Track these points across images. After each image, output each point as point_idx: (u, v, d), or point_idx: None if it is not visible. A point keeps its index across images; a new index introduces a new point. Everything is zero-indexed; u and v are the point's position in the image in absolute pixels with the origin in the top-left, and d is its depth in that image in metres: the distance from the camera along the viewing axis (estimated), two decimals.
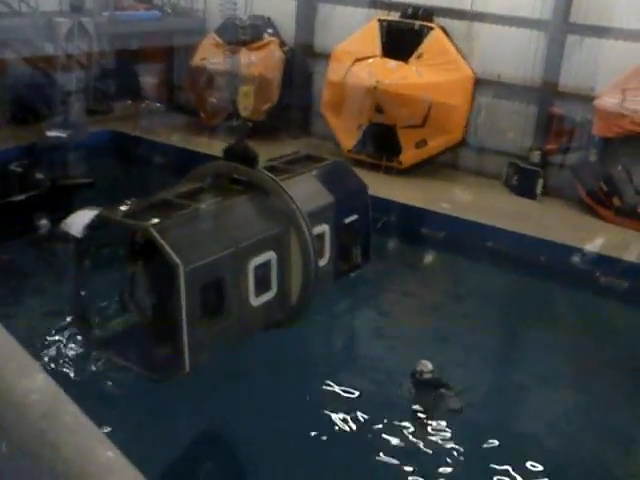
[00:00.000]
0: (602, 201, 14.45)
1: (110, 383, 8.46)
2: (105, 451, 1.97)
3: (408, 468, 7.72)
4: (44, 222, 11.56)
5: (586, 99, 14.71)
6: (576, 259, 12.55)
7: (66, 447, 1.92)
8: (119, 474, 1.92)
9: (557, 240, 13.00)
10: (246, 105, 17.91)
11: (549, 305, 12.02)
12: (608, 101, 14.04)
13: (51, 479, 1.88)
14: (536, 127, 15.89)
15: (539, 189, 15.45)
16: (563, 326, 11.35)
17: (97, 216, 8.06)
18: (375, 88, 15.51)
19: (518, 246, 13.02)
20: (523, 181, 15.60)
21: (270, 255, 8.72)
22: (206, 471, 7.93)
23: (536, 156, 15.59)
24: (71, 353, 9.11)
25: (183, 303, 7.51)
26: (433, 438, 8.15)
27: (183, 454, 7.89)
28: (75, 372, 8.68)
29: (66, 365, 8.88)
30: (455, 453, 7.95)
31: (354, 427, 8.23)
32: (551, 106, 15.54)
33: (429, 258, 13.78)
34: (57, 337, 9.45)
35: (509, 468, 7.75)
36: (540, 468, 7.82)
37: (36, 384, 2.05)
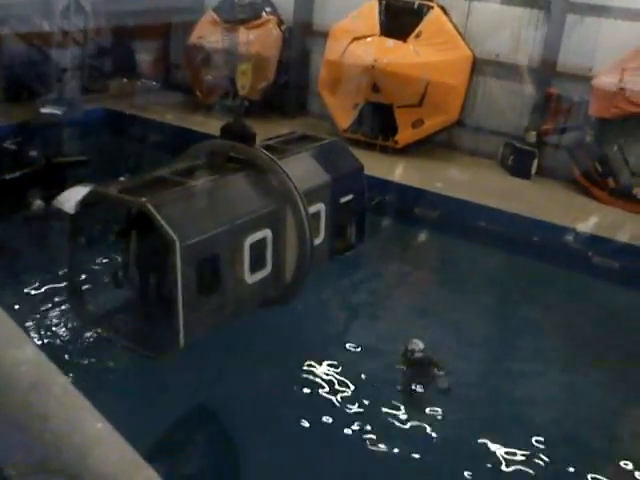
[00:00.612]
0: (597, 182, 14.46)
1: (103, 358, 8.49)
2: (94, 422, 1.95)
3: (397, 446, 7.77)
4: (38, 202, 11.50)
5: (584, 79, 14.69)
6: (569, 239, 12.56)
7: (55, 418, 1.91)
8: (108, 446, 1.91)
9: (550, 220, 13.03)
10: (244, 83, 17.81)
11: (541, 284, 12.05)
12: (606, 81, 14.00)
13: (40, 451, 1.87)
14: (533, 107, 15.85)
15: (534, 169, 15.45)
16: (555, 305, 11.42)
17: (92, 192, 8.03)
18: (372, 67, 15.44)
19: (512, 226, 13.06)
20: (518, 161, 15.60)
21: (266, 233, 8.73)
22: (193, 443, 7.95)
23: (532, 136, 15.58)
24: (65, 330, 9.12)
25: (179, 279, 7.51)
26: (423, 416, 8.21)
27: (171, 426, 7.92)
28: (68, 348, 8.69)
29: (60, 341, 8.91)
30: (444, 431, 8.02)
31: (344, 406, 8.29)
32: (549, 86, 15.47)
33: (423, 237, 13.78)
34: (51, 314, 9.46)
35: (497, 447, 7.82)
36: (528, 444, 7.89)
37: (25, 355, 2.03)
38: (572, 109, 15.15)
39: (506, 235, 12.93)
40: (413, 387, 8.58)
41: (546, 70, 15.53)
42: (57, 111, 16.00)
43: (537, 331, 10.51)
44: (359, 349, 9.45)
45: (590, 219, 13.22)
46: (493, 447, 7.81)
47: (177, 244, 7.40)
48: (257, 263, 8.70)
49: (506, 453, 7.76)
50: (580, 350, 10.08)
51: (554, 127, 15.43)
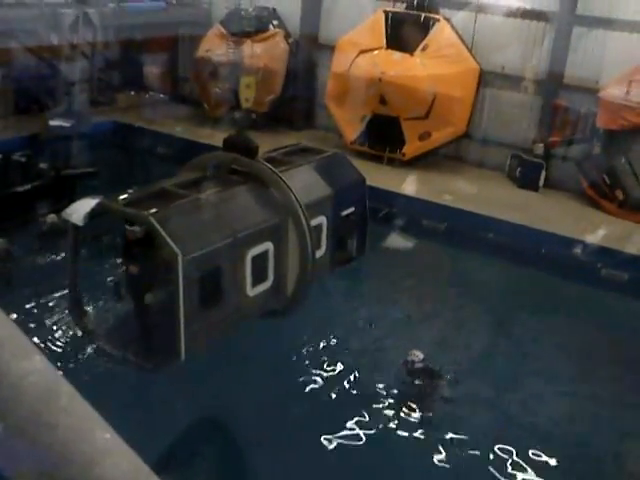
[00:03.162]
0: (605, 194, 14.45)
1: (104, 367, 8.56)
2: (102, 433, 1.97)
3: (399, 456, 7.81)
4: (52, 215, 11.57)
5: (591, 91, 14.73)
6: (578, 251, 12.54)
7: (63, 429, 1.92)
8: (116, 456, 1.93)
9: (559, 232, 13.03)
10: (247, 96, 17.92)
11: (550, 297, 12.04)
12: (613, 93, 14.02)
13: (48, 461, 1.89)
14: (540, 119, 15.88)
15: (542, 181, 15.47)
16: (563, 317, 11.35)
17: (98, 205, 8.06)
18: (380, 80, 15.50)
19: (520, 238, 13.06)
20: (526, 173, 15.61)
21: (268, 246, 8.81)
22: (197, 452, 7.97)
23: (539, 148, 15.60)
24: (69, 342, 9.17)
25: (181, 292, 7.60)
26: (424, 427, 8.23)
27: (178, 435, 7.99)
28: (72, 360, 8.73)
29: (63, 352, 8.98)
30: (446, 442, 8.02)
31: (345, 418, 8.31)
32: (556, 98, 15.49)
33: (431, 250, 13.78)
34: (56, 326, 9.51)
35: (501, 457, 7.84)
36: (535, 457, 7.86)
37: (33, 366, 2.05)
38: (579, 121, 15.17)
39: (514, 247, 12.93)
40: (414, 397, 8.57)
41: (553, 82, 15.59)
42: (66, 124, 16.12)
43: (543, 343, 10.47)
44: (358, 360, 9.47)
45: (599, 231, 13.22)
46: (495, 455, 7.82)
47: (180, 258, 7.47)
48: (259, 276, 8.77)
49: (509, 461, 7.77)
50: (587, 362, 10.04)
51: (561, 139, 15.46)
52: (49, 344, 9.08)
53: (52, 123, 16.01)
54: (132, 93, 20.02)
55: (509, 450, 7.89)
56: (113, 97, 19.47)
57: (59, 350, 9.03)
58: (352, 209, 10.55)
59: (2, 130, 16.10)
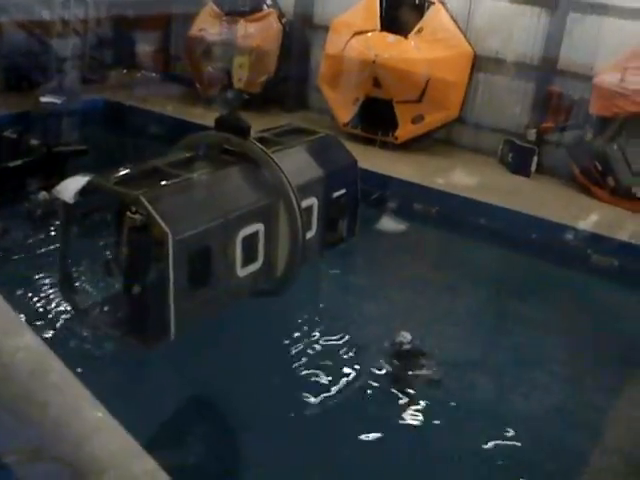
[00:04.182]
0: (596, 180, 14.49)
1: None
2: (93, 411, 1.97)
3: (386, 439, 7.83)
4: (44, 192, 11.55)
5: (585, 78, 14.72)
6: (568, 237, 12.59)
7: (54, 406, 1.92)
8: (107, 434, 1.93)
9: (549, 217, 13.06)
10: (240, 76, 17.83)
11: (539, 282, 12.13)
12: (607, 80, 14.00)
13: (40, 439, 1.88)
14: (533, 105, 15.88)
15: (534, 167, 15.48)
16: (552, 302, 11.43)
17: (89, 182, 8.03)
18: (373, 62, 15.45)
19: (510, 223, 13.09)
20: (518, 158, 15.63)
21: (258, 226, 8.81)
22: (189, 431, 8.02)
23: (532, 134, 15.61)
24: (59, 319, 9.19)
25: (171, 272, 7.59)
26: (412, 408, 8.28)
27: (169, 411, 8.06)
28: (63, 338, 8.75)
29: (53, 329, 9.01)
30: (434, 424, 8.10)
31: (333, 399, 8.36)
32: (549, 84, 15.47)
33: (421, 233, 13.80)
34: (47, 303, 9.50)
35: (488, 439, 7.88)
36: (516, 435, 7.94)
37: (23, 342, 2.05)
38: (573, 107, 15.18)
39: (505, 232, 12.97)
40: (402, 379, 8.64)
41: (547, 68, 15.56)
42: (57, 100, 15.98)
43: (531, 327, 10.53)
44: (345, 341, 9.49)
45: (589, 217, 13.28)
46: (484, 439, 7.87)
47: (170, 237, 7.45)
48: (249, 256, 8.78)
49: (495, 445, 7.82)
50: (578, 349, 10.11)
51: (554, 125, 15.46)
52: (39, 321, 9.06)
53: (43, 99, 15.87)
54: (124, 71, 19.86)
55: (498, 436, 7.95)
56: (104, 75, 19.30)
57: (49, 327, 9.03)
58: (343, 191, 10.54)
59: None
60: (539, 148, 15.53)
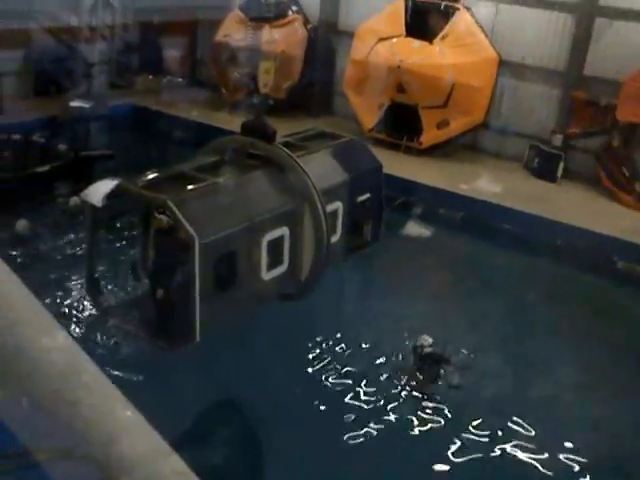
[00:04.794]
0: (623, 186, 14.36)
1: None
2: (123, 410, 1.99)
3: (405, 443, 7.84)
4: (75, 198, 11.69)
5: (612, 83, 14.56)
6: (594, 243, 12.46)
7: (85, 405, 1.95)
8: (136, 434, 1.95)
9: (575, 224, 12.94)
10: (266, 81, 17.90)
11: (564, 289, 11.98)
12: (635, 85, 13.86)
13: (70, 437, 1.91)
14: (559, 110, 15.77)
15: (560, 172, 15.35)
16: (577, 310, 11.27)
17: (116, 186, 8.11)
18: (398, 67, 15.45)
19: (536, 229, 12.98)
20: (544, 164, 15.52)
21: (283, 230, 8.82)
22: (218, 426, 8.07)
23: (558, 139, 15.50)
24: (88, 321, 9.31)
25: (197, 275, 7.63)
26: (432, 413, 8.24)
27: (196, 415, 8.07)
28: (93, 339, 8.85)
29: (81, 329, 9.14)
30: (453, 428, 8.04)
31: (353, 402, 8.36)
32: (575, 89, 15.36)
33: (446, 239, 13.74)
34: (74, 306, 9.61)
35: (508, 444, 7.85)
36: (537, 440, 7.87)
37: (56, 342, 2.08)
38: (599, 113, 15.03)
39: (529, 238, 12.88)
40: (423, 382, 8.63)
41: (573, 73, 15.46)
42: (86, 105, 16.14)
43: (557, 335, 10.44)
44: (367, 344, 9.49)
45: (616, 223, 13.12)
46: (505, 446, 7.82)
47: (196, 241, 7.50)
48: (274, 260, 8.80)
49: (517, 451, 7.77)
50: (604, 357, 10.00)
51: (580, 130, 15.33)
52: (68, 322, 9.19)
53: (72, 104, 16.04)
54: (150, 76, 19.99)
55: (519, 442, 7.89)
56: (131, 80, 19.46)
57: (78, 328, 9.15)
58: (368, 195, 10.52)
59: (22, 111, 16.15)
60: (565, 153, 15.41)
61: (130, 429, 1.97)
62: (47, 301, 9.47)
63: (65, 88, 17.25)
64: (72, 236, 11.45)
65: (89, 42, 17.84)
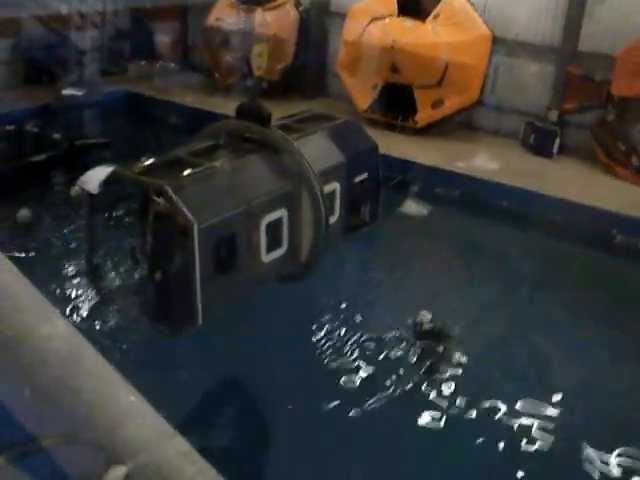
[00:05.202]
0: (620, 160, 14.34)
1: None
2: (127, 395, 1.99)
3: (408, 422, 7.84)
4: (76, 188, 11.66)
5: (607, 58, 14.47)
6: (592, 218, 12.47)
7: (87, 392, 1.95)
8: (141, 418, 1.95)
9: (573, 199, 12.93)
10: (259, 64, 17.84)
11: (563, 264, 12.03)
12: (629, 60, 13.80)
13: (73, 424, 1.91)
14: (554, 87, 15.71)
15: (556, 148, 15.33)
16: (576, 285, 11.31)
17: (112, 173, 8.10)
18: (391, 47, 15.37)
19: (533, 204, 13.01)
20: (540, 140, 15.48)
21: (282, 213, 8.82)
22: (222, 414, 8.13)
23: (554, 115, 15.46)
24: (89, 307, 9.37)
25: (196, 259, 7.63)
26: (435, 390, 8.25)
27: (198, 393, 8.20)
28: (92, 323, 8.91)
29: (82, 316, 9.22)
30: (457, 405, 8.03)
31: (355, 383, 8.38)
32: (570, 65, 15.31)
33: (443, 216, 13.75)
34: (75, 292, 9.64)
35: (515, 420, 7.86)
36: (545, 417, 7.89)
37: (56, 330, 2.08)
38: (594, 88, 14.96)
39: (526, 214, 12.90)
40: (425, 359, 8.65)
41: (567, 49, 15.38)
42: (78, 93, 16.06)
43: (557, 310, 10.46)
44: (365, 323, 9.52)
45: (613, 197, 13.13)
46: (510, 418, 7.84)
47: (195, 226, 7.51)
48: (273, 242, 8.81)
49: (524, 424, 7.78)
50: (597, 328, 10.03)
51: (576, 106, 15.29)
52: (70, 309, 9.27)
53: (65, 92, 15.96)
54: (143, 62, 19.89)
55: (524, 416, 7.91)
56: (124, 66, 19.37)
57: (80, 316, 9.20)
58: (365, 175, 10.51)
59: (14, 101, 16.07)
60: (561, 129, 15.37)
61: (134, 413, 1.97)
62: (51, 289, 9.56)
63: (57, 76, 17.16)
64: (75, 225, 11.42)
65: (80, 29, 17.72)
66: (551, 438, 7.64)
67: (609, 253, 12.34)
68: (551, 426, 7.79)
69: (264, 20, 17.88)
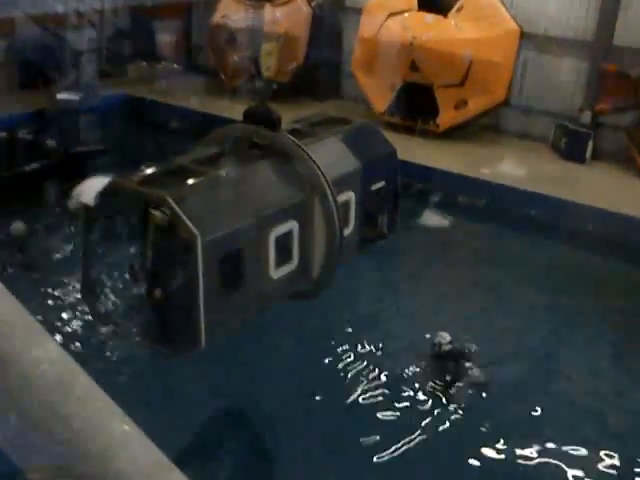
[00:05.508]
0: None
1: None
2: (120, 424, 2.00)
3: (425, 446, 7.83)
4: (74, 201, 11.74)
5: None
6: (629, 229, 12.38)
7: (79, 420, 1.96)
8: (135, 449, 1.96)
9: (608, 208, 12.85)
10: (269, 65, 17.90)
11: (596, 279, 11.92)
12: None
13: (64, 453, 1.92)
14: (587, 85, 15.67)
15: (589, 152, 15.27)
16: (610, 303, 11.16)
17: (110, 184, 8.13)
18: (411, 44, 15.41)
19: (565, 215, 12.92)
20: (572, 144, 15.43)
21: (292, 225, 8.81)
22: (221, 442, 8.12)
23: (587, 116, 15.40)
24: (84, 328, 9.40)
25: (200, 276, 7.62)
26: (454, 414, 8.26)
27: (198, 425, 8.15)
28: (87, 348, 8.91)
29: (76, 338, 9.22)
30: (476, 429, 8.04)
31: (372, 406, 8.39)
32: (604, 61, 15.26)
33: (468, 228, 13.72)
34: (69, 313, 9.68)
35: (535, 445, 7.82)
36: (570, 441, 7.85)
37: (47, 354, 2.08)
38: (631, 86, 14.91)
39: (558, 225, 12.82)
40: (444, 382, 8.65)
41: (601, 44, 15.34)
42: (74, 97, 16.19)
43: (588, 329, 10.39)
44: (387, 341, 9.55)
45: None
46: (531, 445, 7.82)
47: (199, 239, 7.50)
48: (283, 257, 8.80)
49: (542, 451, 7.75)
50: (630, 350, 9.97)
51: (611, 106, 15.23)
52: (62, 331, 9.29)
53: (60, 96, 16.09)
54: (143, 63, 20.04)
55: (547, 446, 7.88)
56: (123, 68, 19.51)
57: (74, 337, 9.23)
58: (383, 183, 10.50)
59: (7, 106, 16.21)
60: (595, 132, 15.32)
61: (128, 444, 1.98)
62: (45, 308, 9.60)
63: (52, 79, 17.30)
64: (73, 239, 11.49)
65: (76, 29, 17.87)
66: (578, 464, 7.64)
67: None
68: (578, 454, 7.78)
69: (274, 17, 17.96)
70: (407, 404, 8.42)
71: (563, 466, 7.59)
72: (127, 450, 1.95)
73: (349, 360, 9.13)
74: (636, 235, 12.34)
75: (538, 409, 8.44)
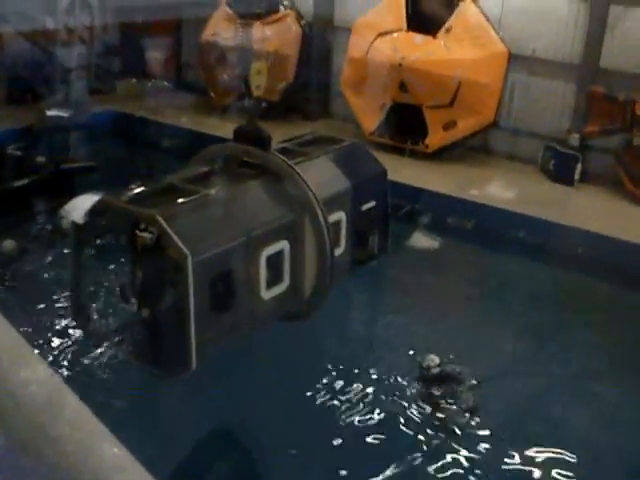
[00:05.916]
0: None
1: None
2: (110, 447, 1.97)
3: (414, 470, 7.82)
4: (66, 219, 11.72)
5: (631, 76, 14.55)
6: (618, 252, 12.42)
7: (67, 443, 1.93)
8: (126, 473, 1.93)
9: (597, 230, 12.90)
10: (259, 83, 17.93)
11: (587, 302, 11.93)
12: None
13: (51, 478, 1.89)
14: (575, 107, 15.76)
15: (577, 175, 15.33)
16: (601, 325, 11.18)
17: (99, 202, 8.10)
18: (400, 65, 15.47)
19: (553, 237, 12.96)
20: (560, 166, 15.50)
21: (283, 245, 8.80)
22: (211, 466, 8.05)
23: (575, 139, 15.47)
24: (74, 349, 9.28)
25: (191, 296, 7.59)
26: (444, 440, 8.21)
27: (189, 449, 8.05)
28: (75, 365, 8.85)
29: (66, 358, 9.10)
30: (465, 457, 7.98)
31: (361, 430, 8.36)
32: (592, 84, 15.37)
33: (457, 249, 13.73)
34: (63, 332, 9.60)
35: (532, 471, 7.82)
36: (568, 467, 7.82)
37: (35, 375, 2.05)
38: (618, 109, 15.01)
39: (547, 247, 12.85)
40: (433, 406, 8.61)
41: (588, 66, 15.45)
42: (63, 114, 16.18)
43: (578, 351, 10.39)
44: (371, 367, 9.50)
45: None
46: (527, 471, 7.80)
47: (189, 259, 7.47)
48: (274, 277, 8.78)
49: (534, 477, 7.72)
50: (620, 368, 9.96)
51: (599, 129, 15.31)
52: (52, 352, 9.19)
53: (49, 113, 16.08)
54: (133, 80, 20.07)
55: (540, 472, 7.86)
56: (113, 85, 19.53)
57: (62, 358, 9.13)
58: (373, 203, 10.51)
59: None
60: (583, 154, 15.40)
61: (118, 467, 1.95)
62: (35, 329, 9.53)
63: (42, 95, 17.29)
64: (63, 256, 11.42)
65: (66, 45, 17.88)
66: None
67: (636, 289, 12.24)
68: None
69: (263, 35, 18.02)
70: (395, 428, 8.37)
71: None
72: (117, 473, 1.92)
73: (337, 383, 9.09)
74: (624, 257, 12.39)
75: (530, 432, 8.43)
